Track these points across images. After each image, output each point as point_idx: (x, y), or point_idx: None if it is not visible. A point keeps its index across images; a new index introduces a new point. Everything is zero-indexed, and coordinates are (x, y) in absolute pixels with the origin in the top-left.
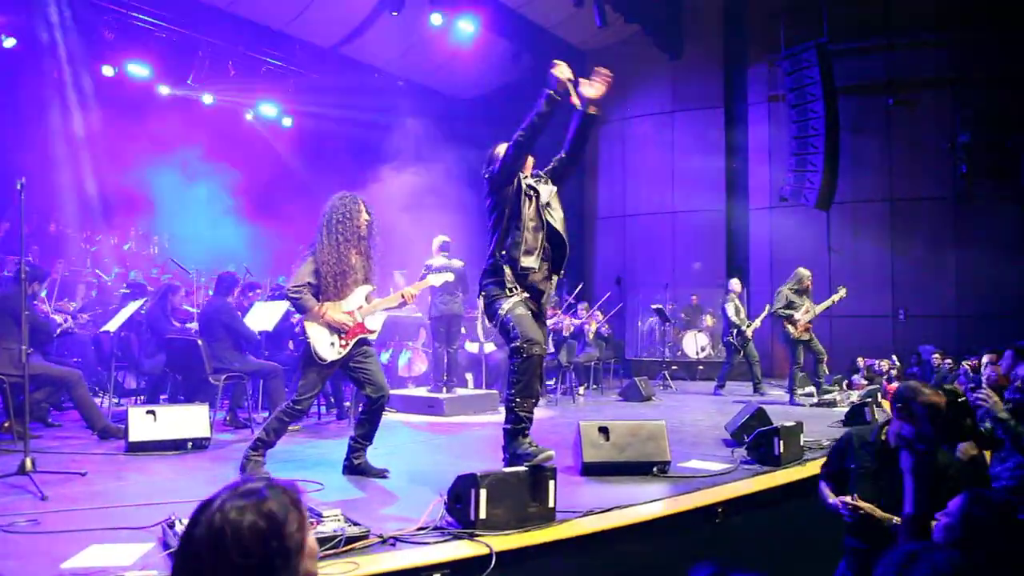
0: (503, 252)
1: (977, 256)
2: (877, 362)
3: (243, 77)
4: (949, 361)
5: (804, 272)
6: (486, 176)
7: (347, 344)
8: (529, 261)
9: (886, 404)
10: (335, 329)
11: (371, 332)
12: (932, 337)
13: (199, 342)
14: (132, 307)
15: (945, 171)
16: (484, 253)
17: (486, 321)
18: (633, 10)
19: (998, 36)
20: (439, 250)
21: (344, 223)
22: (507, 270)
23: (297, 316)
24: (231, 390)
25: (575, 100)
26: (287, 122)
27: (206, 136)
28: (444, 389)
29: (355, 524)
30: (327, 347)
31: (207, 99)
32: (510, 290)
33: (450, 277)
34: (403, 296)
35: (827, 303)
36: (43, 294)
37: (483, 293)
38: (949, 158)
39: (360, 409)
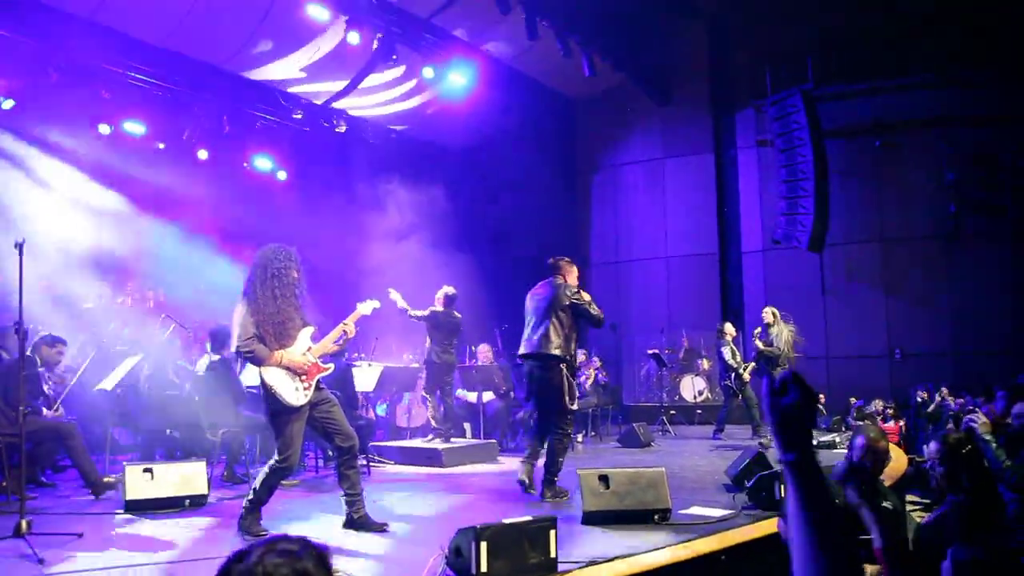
0: (574, 351)
1: (970, 293)
2: (875, 402)
3: (238, 132)
4: (948, 397)
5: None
6: (574, 306)
7: (310, 386)
8: None
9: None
10: (295, 373)
11: (326, 369)
12: (928, 375)
13: (196, 398)
14: (128, 364)
15: (935, 210)
16: (475, 299)
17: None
18: (621, 59)
19: (983, 76)
20: (443, 301)
21: (279, 277)
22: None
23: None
24: (228, 445)
25: None
26: (282, 175)
27: (201, 190)
28: (439, 439)
29: None
30: (292, 392)
31: (202, 154)
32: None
33: (377, 305)
34: (344, 330)
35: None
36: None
37: (564, 375)
38: (938, 197)
39: (336, 463)
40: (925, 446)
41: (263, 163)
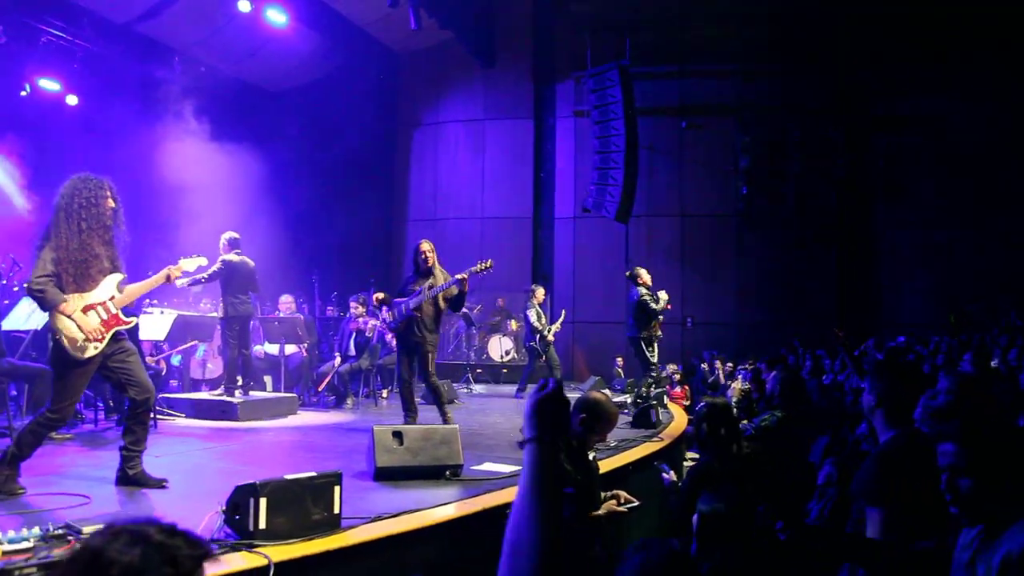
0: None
1: (754, 270)
2: (669, 366)
3: (17, 47)
4: (730, 365)
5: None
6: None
7: (104, 337)
8: None
9: (671, 406)
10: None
11: (128, 323)
12: (715, 343)
13: None
14: None
15: (729, 191)
16: (285, 250)
17: None
18: (447, 16)
19: (778, 70)
20: (229, 247)
21: (88, 208)
22: None
23: None
24: None
25: None
26: (72, 100)
27: None
28: (237, 392)
29: None
30: (82, 343)
31: None
32: None
33: (203, 261)
34: (168, 278)
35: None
36: None
37: (642, 345)
38: (732, 179)
39: (126, 415)
40: None
41: (49, 84)
